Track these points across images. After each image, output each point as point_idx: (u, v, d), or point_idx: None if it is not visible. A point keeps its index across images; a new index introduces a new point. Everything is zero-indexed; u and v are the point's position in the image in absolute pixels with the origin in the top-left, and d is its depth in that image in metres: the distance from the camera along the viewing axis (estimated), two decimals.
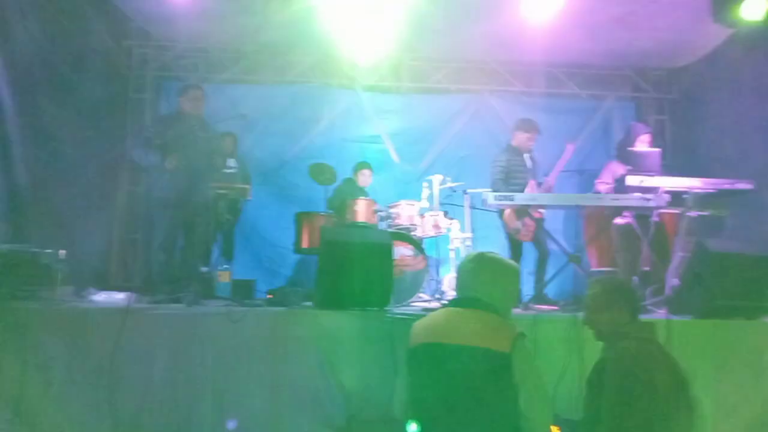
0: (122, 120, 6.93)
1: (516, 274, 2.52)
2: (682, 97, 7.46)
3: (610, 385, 2.33)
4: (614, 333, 2.48)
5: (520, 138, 5.45)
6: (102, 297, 3.96)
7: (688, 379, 2.38)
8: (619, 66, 7.45)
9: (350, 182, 6.35)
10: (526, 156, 5.44)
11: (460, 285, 2.49)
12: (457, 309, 2.39)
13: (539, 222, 5.13)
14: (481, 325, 2.28)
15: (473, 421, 2.18)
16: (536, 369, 2.28)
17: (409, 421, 2.29)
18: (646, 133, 5.53)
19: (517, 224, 5.23)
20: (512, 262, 2.55)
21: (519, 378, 2.20)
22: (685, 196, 4.72)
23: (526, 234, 5.23)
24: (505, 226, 5.36)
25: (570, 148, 5.51)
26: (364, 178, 6.35)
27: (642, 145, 5.40)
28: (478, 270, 2.43)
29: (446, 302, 2.85)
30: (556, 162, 5.63)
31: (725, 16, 4.99)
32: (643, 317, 3.92)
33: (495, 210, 5.34)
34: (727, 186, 4.72)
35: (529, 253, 5.44)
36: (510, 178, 5.36)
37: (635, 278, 4.90)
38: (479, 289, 2.39)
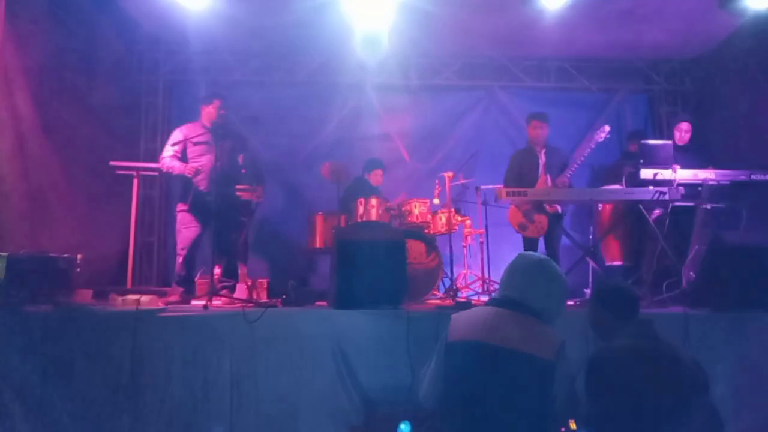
0: (136, 124, 7.01)
1: (566, 285, 2.46)
2: (695, 89, 7.38)
3: (586, 387, 2.34)
4: (609, 333, 2.48)
5: (531, 131, 5.42)
6: (123, 299, 3.99)
7: (688, 376, 2.32)
8: (631, 58, 7.37)
9: (362, 181, 6.35)
10: (540, 152, 5.39)
11: (510, 285, 2.41)
12: (504, 310, 2.34)
13: (555, 218, 5.09)
14: (526, 330, 2.25)
15: (506, 423, 2.18)
16: (573, 377, 2.27)
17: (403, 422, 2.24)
18: (684, 121, 5.43)
19: (522, 221, 5.19)
20: (562, 272, 2.48)
21: (558, 385, 2.20)
22: (700, 188, 4.68)
23: (534, 230, 5.18)
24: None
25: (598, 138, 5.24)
26: (377, 178, 6.35)
27: (679, 134, 5.33)
28: (533, 275, 2.38)
29: (490, 299, 2.76)
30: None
31: (730, 3, 4.94)
32: (658, 311, 3.94)
33: (506, 206, 5.32)
34: (742, 178, 4.68)
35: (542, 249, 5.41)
36: (523, 175, 5.33)
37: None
38: (530, 294, 2.34)
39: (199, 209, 4.88)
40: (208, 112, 4.98)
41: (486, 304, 2.62)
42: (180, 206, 4.98)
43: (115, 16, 6.27)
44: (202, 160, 4.87)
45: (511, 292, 2.39)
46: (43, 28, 5.15)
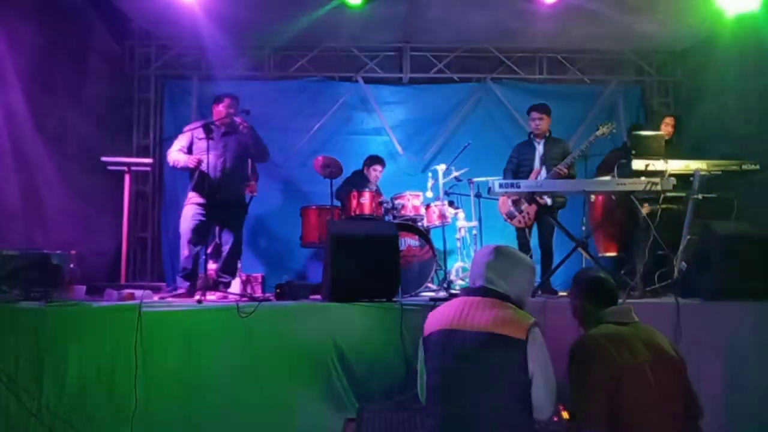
0: (128, 120, 6.99)
1: (531, 268, 2.53)
2: (687, 79, 7.40)
3: (569, 375, 2.40)
4: (590, 322, 2.53)
5: (531, 122, 5.44)
6: (119, 294, 3.98)
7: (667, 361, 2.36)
8: (622, 50, 7.39)
9: (360, 175, 6.35)
10: (538, 143, 5.39)
11: (477, 273, 2.50)
12: (474, 297, 2.41)
13: (544, 208, 5.12)
14: (496, 312, 2.30)
15: (485, 406, 2.21)
16: (547, 358, 2.30)
17: None
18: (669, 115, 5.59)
19: (511, 210, 5.22)
20: (526, 256, 2.56)
21: (531, 365, 2.23)
22: (691, 178, 4.70)
23: (522, 221, 5.20)
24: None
25: None
26: (376, 173, 6.35)
27: (666, 128, 5.44)
28: (493, 261, 2.45)
29: (459, 291, 2.84)
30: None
31: None
32: (651, 301, 3.97)
33: (496, 198, 5.34)
34: (733, 168, 4.70)
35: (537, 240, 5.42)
36: (520, 167, 5.35)
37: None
38: (496, 280, 2.41)
39: (207, 202, 4.81)
40: (218, 110, 4.95)
41: (457, 295, 2.71)
42: (189, 196, 4.87)
43: (106, 11, 6.24)
44: (205, 158, 4.80)
45: (478, 280, 2.46)
46: (34, 23, 5.13)
